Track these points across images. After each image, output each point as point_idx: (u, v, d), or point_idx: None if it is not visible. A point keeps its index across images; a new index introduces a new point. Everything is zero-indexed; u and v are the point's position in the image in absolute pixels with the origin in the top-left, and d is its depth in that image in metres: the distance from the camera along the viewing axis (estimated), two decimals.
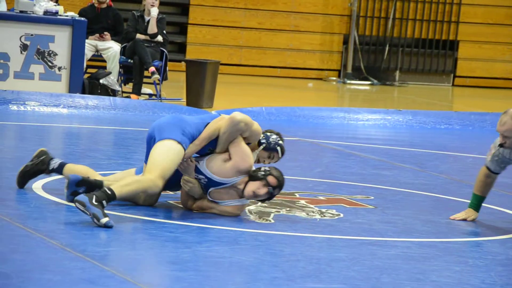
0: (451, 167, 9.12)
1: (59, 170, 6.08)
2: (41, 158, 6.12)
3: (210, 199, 5.87)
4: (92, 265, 4.60)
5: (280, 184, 5.80)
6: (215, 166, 5.79)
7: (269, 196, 5.83)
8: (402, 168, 8.58)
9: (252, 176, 5.77)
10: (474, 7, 18.31)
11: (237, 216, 5.88)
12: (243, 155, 5.77)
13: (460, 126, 12.15)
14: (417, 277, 4.87)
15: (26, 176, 6.15)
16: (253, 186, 5.75)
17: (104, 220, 5.32)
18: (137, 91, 12.10)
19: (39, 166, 6.10)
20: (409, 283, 4.73)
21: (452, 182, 8.07)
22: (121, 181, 5.57)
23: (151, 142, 5.84)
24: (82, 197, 5.36)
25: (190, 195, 5.90)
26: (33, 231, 5.15)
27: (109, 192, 5.44)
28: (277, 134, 6.15)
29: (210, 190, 5.84)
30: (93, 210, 5.33)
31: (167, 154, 5.69)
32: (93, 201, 5.36)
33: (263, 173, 5.76)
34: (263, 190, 5.76)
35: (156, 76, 11.96)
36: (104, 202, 5.39)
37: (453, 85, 18.46)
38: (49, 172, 6.10)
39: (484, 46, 18.40)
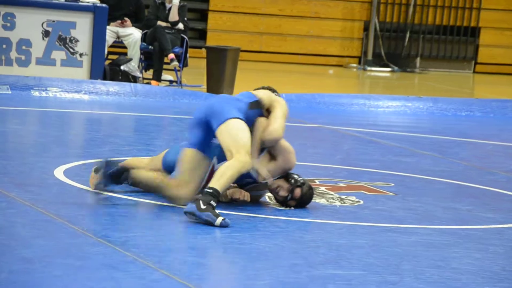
0: (472, 154, 9.09)
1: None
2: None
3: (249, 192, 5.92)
4: (113, 250, 4.63)
5: (300, 201, 5.84)
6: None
7: (283, 201, 5.84)
8: (422, 155, 8.57)
9: (288, 175, 5.82)
10: None
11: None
12: (288, 155, 5.80)
13: (481, 113, 12.11)
14: (438, 264, 4.87)
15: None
16: (281, 183, 5.80)
17: (218, 221, 5.22)
18: (157, 77, 12.12)
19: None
20: (430, 270, 4.73)
21: (472, 169, 8.05)
22: (215, 175, 5.40)
23: (201, 125, 5.64)
24: (189, 207, 5.26)
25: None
26: (55, 216, 5.19)
27: (211, 191, 5.30)
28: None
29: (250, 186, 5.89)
30: (204, 217, 5.22)
31: (239, 132, 5.52)
32: (201, 206, 5.24)
33: (297, 181, 5.80)
34: (283, 193, 5.81)
35: (175, 63, 11.97)
36: (212, 202, 5.27)
37: (474, 72, 18.37)
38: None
39: (506, 32, 18.29)
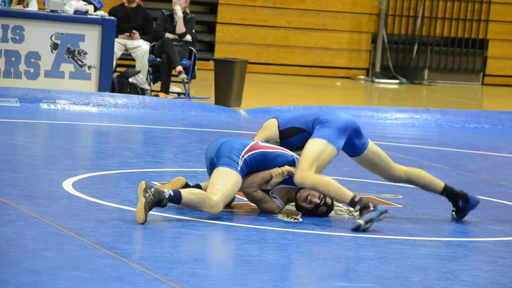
0: (481, 166, 9.08)
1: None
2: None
3: (271, 194, 5.95)
4: (121, 262, 4.63)
5: (330, 207, 5.98)
6: None
7: (312, 208, 5.94)
8: (431, 167, 8.56)
9: None
10: (504, 5, 18.20)
11: (267, 212, 5.94)
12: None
13: (489, 125, 12.09)
14: (447, 276, 4.85)
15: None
16: (310, 191, 5.86)
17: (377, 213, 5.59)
18: (165, 89, 12.15)
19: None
20: (438, 283, 4.72)
21: (481, 181, 8.03)
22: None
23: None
24: (356, 223, 5.63)
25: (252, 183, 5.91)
26: (63, 228, 5.19)
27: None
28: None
29: (279, 186, 5.92)
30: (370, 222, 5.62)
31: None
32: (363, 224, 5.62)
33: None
34: (315, 199, 5.89)
35: (183, 75, 12.00)
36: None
37: (482, 83, 18.35)
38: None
39: None
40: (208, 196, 5.60)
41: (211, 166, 5.84)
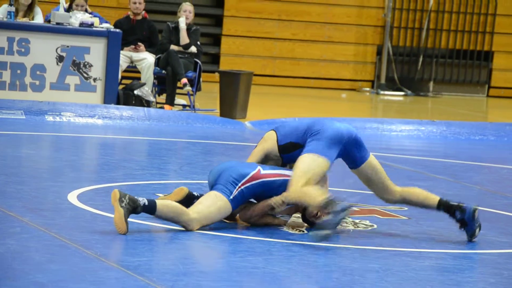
0: (486, 178, 9.07)
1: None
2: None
3: (276, 215, 5.95)
4: (126, 275, 4.63)
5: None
6: None
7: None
8: (436, 179, 8.55)
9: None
10: (509, 17, 18.21)
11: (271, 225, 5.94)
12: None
13: (494, 137, 12.08)
14: None
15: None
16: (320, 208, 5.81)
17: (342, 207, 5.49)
18: (170, 101, 12.17)
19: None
20: None
21: (486, 193, 8.02)
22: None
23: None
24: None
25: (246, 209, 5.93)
26: (68, 241, 5.20)
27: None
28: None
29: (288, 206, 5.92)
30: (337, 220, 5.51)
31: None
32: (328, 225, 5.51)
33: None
34: (324, 216, 5.85)
35: (188, 87, 12.02)
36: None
37: (487, 95, 18.35)
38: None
39: None
40: (186, 212, 5.54)
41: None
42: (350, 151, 5.91)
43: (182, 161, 8.98)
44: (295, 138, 5.90)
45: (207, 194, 5.72)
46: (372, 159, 6.00)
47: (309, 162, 5.70)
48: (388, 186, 6.03)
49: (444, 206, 5.99)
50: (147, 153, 9.42)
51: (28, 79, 11.24)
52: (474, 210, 5.92)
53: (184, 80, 12.02)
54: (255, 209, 5.87)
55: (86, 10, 12.03)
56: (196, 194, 5.99)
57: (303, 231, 5.88)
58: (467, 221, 5.96)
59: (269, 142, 5.99)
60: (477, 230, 5.96)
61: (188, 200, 5.85)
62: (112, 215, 5.69)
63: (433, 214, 6.75)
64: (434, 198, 6.01)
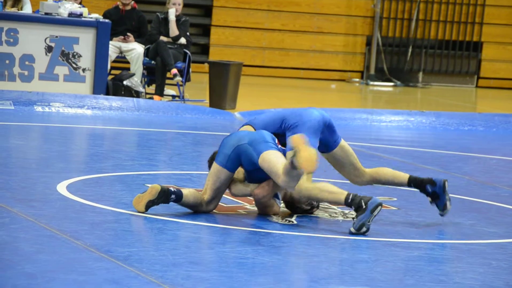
0: (475, 169, 9.09)
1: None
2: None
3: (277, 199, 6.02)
4: (116, 265, 4.63)
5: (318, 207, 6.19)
6: None
7: (308, 209, 6.09)
8: (425, 169, 8.57)
9: None
10: (498, 8, 18.24)
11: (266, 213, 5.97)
12: None
13: (483, 128, 12.11)
14: (440, 278, 4.86)
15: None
16: None
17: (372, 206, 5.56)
18: (160, 92, 12.15)
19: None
20: (432, 285, 4.73)
21: (475, 183, 8.05)
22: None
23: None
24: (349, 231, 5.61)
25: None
26: (57, 231, 5.19)
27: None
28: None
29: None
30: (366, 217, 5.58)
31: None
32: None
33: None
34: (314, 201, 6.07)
35: (178, 78, 12.00)
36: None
37: (476, 86, 18.39)
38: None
39: (508, 47, 18.32)
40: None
41: (235, 152, 5.76)
42: (324, 136, 5.97)
43: (171, 152, 8.98)
44: (272, 129, 5.92)
45: (272, 153, 5.66)
46: (344, 143, 6.10)
47: None
48: (358, 168, 6.15)
49: (414, 182, 6.08)
50: (137, 144, 9.40)
51: (16, 69, 11.20)
52: (444, 182, 6.03)
53: (174, 70, 12.00)
54: (267, 187, 5.84)
55: (80, 3, 11.99)
56: (172, 189, 5.86)
57: (292, 222, 5.89)
58: (438, 193, 6.05)
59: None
60: (448, 203, 6.05)
61: (165, 196, 5.77)
62: (102, 206, 5.69)
63: (422, 205, 6.77)
64: (404, 176, 6.12)
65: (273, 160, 5.62)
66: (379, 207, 5.57)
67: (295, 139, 5.39)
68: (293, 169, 5.40)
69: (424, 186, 6.06)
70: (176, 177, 7.20)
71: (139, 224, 5.53)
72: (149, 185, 5.85)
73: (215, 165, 5.79)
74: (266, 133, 5.81)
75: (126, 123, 10.45)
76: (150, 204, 5.70)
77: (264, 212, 5.97)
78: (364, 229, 5.59)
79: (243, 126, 6.08)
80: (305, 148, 5.32)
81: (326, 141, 6.02)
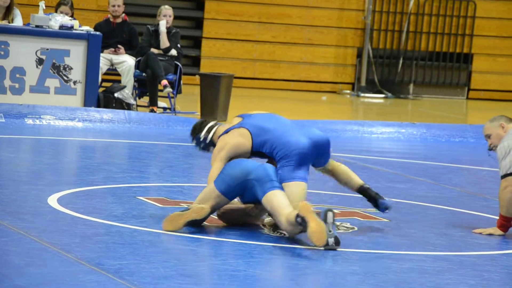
0: (465, 180, 9.10)
1: None
2: None
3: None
4: (107, 278, 4.62)
5: None
6: None
7: None
8: (416, 181, 8.58)
9: None
10: (488, 20, 18.30)
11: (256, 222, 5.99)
12: None
13: (474, 139, 12.13)
14: None
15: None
16: None
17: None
18: (153, 103, 12.14)
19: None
20: None
21: (466, 195, 8.06)
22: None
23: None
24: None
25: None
26: (48, 244, 5.18)
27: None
28: None
29: None
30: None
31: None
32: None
33: None
34: None
35: (169, 89, 12.00)
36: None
37: (467, 98, 18.43)
38: None
39: (499, 59, 18.38)
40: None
41: (240, 186, 5.83)
42: (317, 158, 6.06)
43: (162, 164, 8.96)
44: (265, 149, 6.00)
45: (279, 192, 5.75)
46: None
47: (293, 192, 5.82)
48: None
49: (362, 193, 6.28)
50: (128, 156, 9.39)
51: (7, 82, 11.18)
52: (387, 209, 6.25)
53: (164, 81, 12.00)
54: (234, 211, 5.92)
55: (72, 16, 11.99)
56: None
57: (283, 234, 5.88)
58: (380, 206, 6.28)
59: (246, 143, 6.03)
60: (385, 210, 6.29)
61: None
62: (93, 218, 5.68)
63: (413, 217, 6.77)
64: (358, 181, 6.28)
65: (275, 204, 5.71)
66: (330, 212, 5.62)
67: (303, 208, 5.47)
68: (298, 227, 5.53)
69: (370, 201, 6.29)
70: (167, 189, 7.19)
71: (130, 237, 5.51)
72: (193, 205, 5.73)
73: (214, 189, 5.81)
74: (270, 168, 5.86)
75: (117, 136, 10.44)
76: (190, 224, 5.70)
77: (251, 221, 6.02)
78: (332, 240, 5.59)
79: (242, 129, 6.07)
80: (313, 219, 5.42)
81: (319, 162, 6.13)
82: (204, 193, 5.85)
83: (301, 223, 5.45)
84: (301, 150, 5.90)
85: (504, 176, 6.23)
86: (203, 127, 6.24)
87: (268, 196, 5.72)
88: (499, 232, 6.27)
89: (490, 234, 6.26)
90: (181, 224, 5.68)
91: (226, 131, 6.08)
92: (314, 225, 5.39)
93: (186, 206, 5.91)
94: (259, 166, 5.85)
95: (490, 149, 6.57)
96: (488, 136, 6.59)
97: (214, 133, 6.17)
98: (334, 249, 5.50)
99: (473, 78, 18.38)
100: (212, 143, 6.17)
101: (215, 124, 6.25)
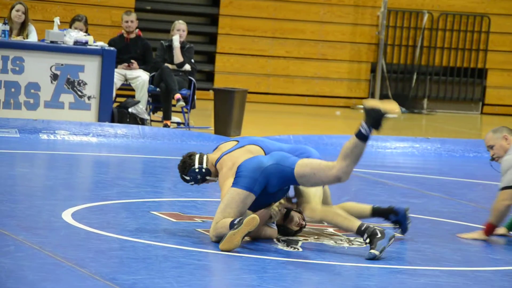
0: (480, 195, 9.07)
1: None
2: None
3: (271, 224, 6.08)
4: None
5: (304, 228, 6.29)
6: None
7: (299, 228, 6.18)
8: (430, 196, 8.55)
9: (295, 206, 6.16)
10: (502, 35, 18.28)
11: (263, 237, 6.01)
12: None
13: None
14: None
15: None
16: (294, 214, 6.13)
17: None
18: (167, 117, 12.16)
19: None
20: None
21: (481, 210, 8.02)
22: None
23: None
24: (370, 254, 5.72)
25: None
26: (63, 259, 5.18)
27: None
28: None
29: None
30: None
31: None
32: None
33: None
34: (302, 221, 6.19)
35: (181, 103, 12.02)
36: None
37: (481, 113, 18.39)
38: None
39: None
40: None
41: (262, 175, 5.78)
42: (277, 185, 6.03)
43: (176, 179, 8.95)
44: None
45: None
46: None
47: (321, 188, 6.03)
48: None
49: (377, 213, 6.33)
50: (142, 171, 9.40)
51: (22, 98, 11.23)
52: (406, 210, 6.31)
53: (178, 95, 12.02)
54: (261, 214, 5.91)
55: (86, 31, 12.05)
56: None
57: (298, 249, 5.87)
58: (402, 221, 6.32)
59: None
60: (409, 225, 6.36)
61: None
62: (107, 233, 5.68)
63: (428, 232, 6.75)
64: (366, 208, 6.33)
65: (313, 162, 5.77)
66: (393, 238, 5.76)
67: (369, 101, 5.75)
68: (360, 140, 6.03)
69: (388, 216, 6.33)
70: (181, 204, 7.20)
71: (144, 252, 5.51)
72: (246, 219, 5.63)
73: (237, 191, 5.73)
74: (282, 151, 5.95)
75: (131, 151, 10.45)
76: (245, 235, 5.68)
77: (262, 237, 6.00)
78: (382, 254, 5.67)
79: (255, 146, 6.07)
80: (384, 102, 5.72)
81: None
82: (224, 204, 5.73)
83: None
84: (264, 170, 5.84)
85: (504, 189, 6.38)
86: (193, 159, 6.13)
87: (300, 163, 5.77)
88: (484, 236, 6.47)
89: (475, 239, 6.46)
90: (239, 241, 5.62)
91: (226, 153, 6.04)
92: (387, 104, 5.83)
93: (234, 224, 5.72)
94: (271, 154, 5.89)
95: (493, 159, 6.68)
96: (490, 147, 6.69)
97: (207, 161, 6.11)
98: (378, 258, 5.65)
99: (488, 93, 18.34)
100: (208, 172, 6.09)
101: (202, 154, 6.18)
